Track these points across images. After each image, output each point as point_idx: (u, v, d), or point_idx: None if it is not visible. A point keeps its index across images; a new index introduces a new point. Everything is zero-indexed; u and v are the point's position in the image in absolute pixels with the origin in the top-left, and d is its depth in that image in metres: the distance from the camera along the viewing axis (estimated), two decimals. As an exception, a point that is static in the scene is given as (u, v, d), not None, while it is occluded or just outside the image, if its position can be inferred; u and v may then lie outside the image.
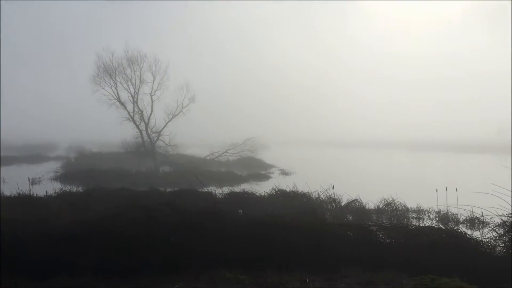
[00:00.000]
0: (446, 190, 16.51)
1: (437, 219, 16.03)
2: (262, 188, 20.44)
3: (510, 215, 10.26)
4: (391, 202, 16.78)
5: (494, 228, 10.68)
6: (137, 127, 44.72)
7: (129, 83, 44.79)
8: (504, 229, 10.02)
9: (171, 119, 45.18)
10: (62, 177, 31.22)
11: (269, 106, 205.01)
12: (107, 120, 48.36)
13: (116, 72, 44.34)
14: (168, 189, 20.42)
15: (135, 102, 44.83)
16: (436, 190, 16.61)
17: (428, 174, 38.20)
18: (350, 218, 15.41)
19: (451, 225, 14.64)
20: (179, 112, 45.38)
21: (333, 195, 17.41)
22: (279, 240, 9.32)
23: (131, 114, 44.59)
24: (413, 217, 16.35)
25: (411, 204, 17.12)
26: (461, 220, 15.15)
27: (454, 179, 23.80)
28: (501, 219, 10.64)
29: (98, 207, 13.69)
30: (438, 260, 8.41)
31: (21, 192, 17.50)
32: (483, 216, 13.80)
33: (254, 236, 9.51)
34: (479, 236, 10.81)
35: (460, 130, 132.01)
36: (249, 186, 24.74)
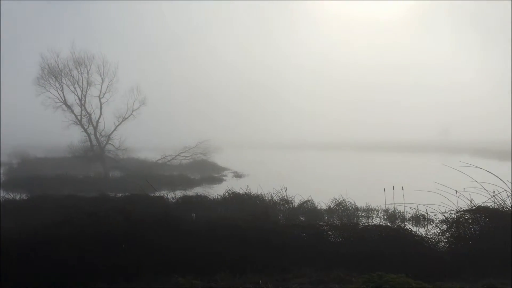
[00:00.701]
0: (393, 189, 17.15)
1: (385, 217, 16.62)
2: (216, 191, 20.33)
3: (452, 212, 10.79)
4: (342, 202, 17.23)
5: (438, 225, 11.21)
6: (85, 130, 43.27)
7: (76, 86, 43.31)
8: (447, 225, 10.52)
9: (121, 123, 44.10)
10: (4, 185, 29.60)
11: (224, 108, 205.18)
12: (53, 124, 46.42)
13: (62, 74, 42.73)
14: (119, 195, 19.86)
15: (82, 105, 43.39)
16: (384, 189, 17.23)
17: (376, 174, 39.51)
18: (303, 218, 15.68)
19: (398, 222, 15.23)
20: (130, 115, 44.40)
21: (285, 197, 17.64)
22: (232, 243, 9.32)
23: (79, 117, 43.13)
24: (362, 216, 16.86)
25: (361, 203, 17.65)
26: (407, 217, 15.81)
27: (400, 178, 24.74)
28: (444, 216, 11.17)
29: (43, 215, 13.09)
30: (385, 257, 8.71)
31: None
32: (427, 213, 14.46)
33: (207, 240, 9.46)
34: (424, 232, 11.31)
35: (407, 131, 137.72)
36: (202, 189, 24.54)
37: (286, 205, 17.25)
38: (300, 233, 10.23)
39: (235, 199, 17.33)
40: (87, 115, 43.41)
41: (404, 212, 16.12)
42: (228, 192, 18.09)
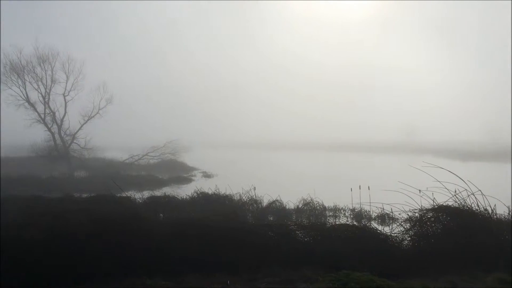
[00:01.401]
0: (360, 188, 17.47)
1: (351, 216, 16.92)
2: (184, 191, 20.23)
3: (416, 211, 11.09)
4: (310, 202, 17.42)
5: (402, 224, 11.51)
6: (49, 129, 42.12)
7: (40, 83, 42.11)
8: (410, 224, 10.81)
9: (86, 121, 43.16)
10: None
11: (195, 107, 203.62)
12: (15, 122, 44.93)
13: (25, 70, 41.41)
14: (84, 195, 19.43)
15: (46, 103, 42.26)
16: (351, 189, 17.52)
17: (344, 174, 40.19)
18: (271, 218, 15.78)
19: (364, 221, 15.56)
20: (96, 114, 43.49)
21: (254, 197, 17.69)
22: (201, 243, 9.29)
23: (42, 115, 41.93)
24: (330, 216, 17.11)
25: (328, 203, 17.90)
26: (373, 216, 16.15)
27: (367, 178, 25.28)
28: (408, 214, 11.46)
29: (5, 217, 12.63)
30: (352, 255, 8.89)
31: None
32: (392, 212, 14.83)
33: (176, 241, 9.39)
34: (389, 231, 11.60)
35: (375, 132, 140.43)
36: (170, 189, 24.33)
37: (255, 205, 17.30)
38: (268, 233, 10.29)
39: (203, 199, 17.27)
40: (51, 113, 42.30)
41: (370, 211, 16.46)
42: (196, 192, 18.03)
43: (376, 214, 16.04)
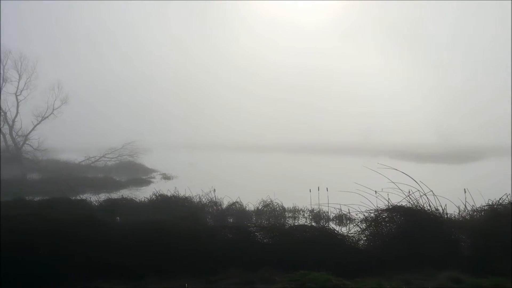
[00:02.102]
0: (319, 190, 17.73)
1: (310, 217, 17.14)
2: (143, 194, 19.87)
3: (371, 211, 11.39)
4: (270, 203, 17.51)
5: (358, 224, 11.78)
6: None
7: (-11, 82, 40.19)
8: (366, 224, 11.08)
9: (40, 122, 41.76)
10: None
11: (156, 108, 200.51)
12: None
13: (-27, 69, 39.47)
14: (37, 198, 18.70)
15: (-4, 102, 40.37)
16: (310, 190, 17.75)
17: (304, 176, 40.68)
18: (231, 220, 15.75)
19: (323, 222, 15.81)
20: (50, 114, 42.03)
21: (214, 199, 17.62)
22: (159, 246, 9.15)
23: (-8, 115, 40.07)
24: (289, 217, 17.25)
25: (288, 204, 18.05)
26: (331, 217, 16.44)
27: (326, 179, 25.67)
28: (364, 215, 11.76)
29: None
30: (310, 255, 9.01)
31: None
32: (349, 213, 15.15)
33: (133, 244, 9.21)
34: (346, 231, 11.84)
35: (335, 134, 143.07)
36: (129, 192, 23.87)
37: (215, 207, 17.23)
38: (228, 235, 10.27)
39: (162, 202, 17.01)
40: (2, 113, 40.52)
41: (328, 212, 16.74)
42: (155, 195, 17.75)
43: (334, 214, 16.34)
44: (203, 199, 17.54)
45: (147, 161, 47.78)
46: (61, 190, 17.40)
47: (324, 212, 17.01)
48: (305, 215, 17.61)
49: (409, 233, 9.93)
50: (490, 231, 9.32)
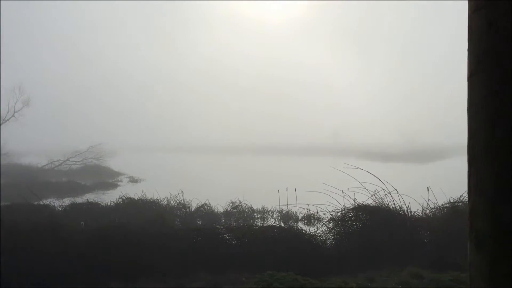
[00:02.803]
0: (287, 190, 17.87)
1: (279, 218, 17.23)
2: (109, 197, 19.47)
3: (338, 211, 11.57)
4: (239, 205, 17.50)
5: (325, 223, 11.95)
6: (-44, 133, 38.65)
7: None
8: (333, 223, 11.25)
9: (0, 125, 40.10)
10: None
11: (121, 110, 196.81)
12: None
13: None
14: (-4, 204, 17.98)
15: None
16: (278, 191, 17.86)
17: (273, 176, 40.84)
18: (200, 222, 15.63)
19: (291, 222, 15.92)
20: (11, 117, 40.61)
21: (182, 201, 17.46)
22: (125, 250, 8.99)
23: None
24: (258, 218, 17.30)
25: (257, 205, 18.09)
26: (299, 217, 16.57)
27: (294, 180, 25.88)
28: (331, 214, 11.93)
29: None
30: (278, 256, 9.06)
31: None
32: (317, 213, 15.32)
33: (98, 248, 9.01)
34: (314, 231, 11.97)
35: (301, 135, 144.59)
36: (94, 196, 23.34)
37: (183, 210, 17.07)
38: (196, 237, 10.19)
39: (129, 205, 16.71)
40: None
41: (296, 212, 16.88)
42: (122, 198, 17.41)
43: (303, 215, 16.47)
44: (171, 202, 17.35)
45: (114, 164, 46.87)
46: (22, 196, 16.78)
47: (293, 213, 17.13)
48: (274, 215, 17.68)
49: (374, 231, 10.14)
50: (450, 228, 9.63)
